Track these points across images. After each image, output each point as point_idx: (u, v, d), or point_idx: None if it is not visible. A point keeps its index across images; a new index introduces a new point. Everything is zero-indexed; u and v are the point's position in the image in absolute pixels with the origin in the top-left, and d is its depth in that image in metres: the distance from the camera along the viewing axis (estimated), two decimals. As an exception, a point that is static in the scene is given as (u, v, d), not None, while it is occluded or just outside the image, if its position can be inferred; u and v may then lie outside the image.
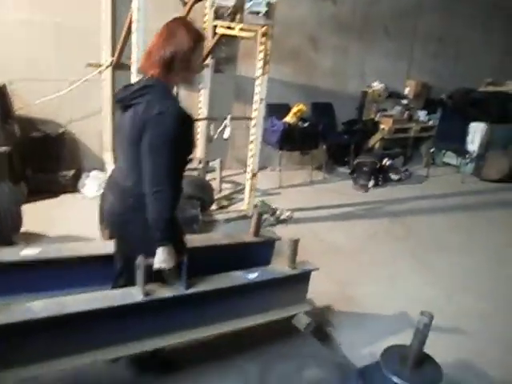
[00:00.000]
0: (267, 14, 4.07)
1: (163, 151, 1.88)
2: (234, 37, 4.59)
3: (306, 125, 5.67)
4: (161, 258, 1.99)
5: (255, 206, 4.62)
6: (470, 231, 4.92)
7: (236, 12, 4.20)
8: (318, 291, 2.83)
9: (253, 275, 2.47)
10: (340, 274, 3.60)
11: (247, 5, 4.04)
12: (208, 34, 4.76)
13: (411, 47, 7.14)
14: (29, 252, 2.36)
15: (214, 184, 4.71)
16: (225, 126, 4.43)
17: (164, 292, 2.16)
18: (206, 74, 5.01)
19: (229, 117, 4.46)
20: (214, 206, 4.49)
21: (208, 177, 4.84)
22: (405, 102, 7.00)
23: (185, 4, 4.13)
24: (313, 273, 2.69)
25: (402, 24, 6.92)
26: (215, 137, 4.68)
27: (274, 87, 4.40)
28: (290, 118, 5.60)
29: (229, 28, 4.28)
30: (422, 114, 7.19)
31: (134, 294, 2.09)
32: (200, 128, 5.16)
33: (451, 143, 6.94)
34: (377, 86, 6.71)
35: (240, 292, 2.43)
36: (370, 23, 6.54)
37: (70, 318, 1.95)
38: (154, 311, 2.17)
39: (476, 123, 6.99)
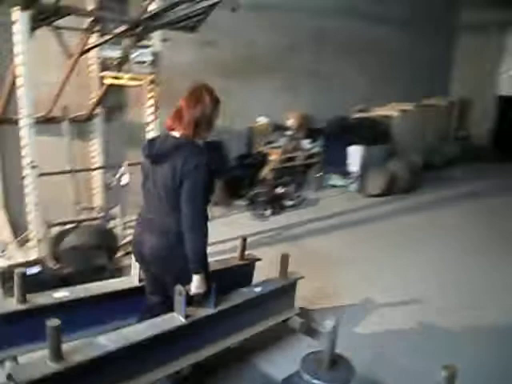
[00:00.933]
0: (153, 63, 4.27)
1: (198, 197, 2.34)
2: (122, 85, 4.72)
3: (200, 163, 5.85)
4: (197, 285, 2.42)
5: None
6: (362, 244, 5.42)
7: (122, 62, 4.34)
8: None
9: (258, 289, 3.03)
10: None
11: (133, 55, 4.21)
12: (94, 84, 4.83)
13: (290, 82, 7.73)
14: (60, 294, 2.66)
15: (117, 231, 4.69)
16: (122, 173, 4.47)
17: (199, 313, 2.58)
18: (97, 123, 5.03)
19: (125, 163, 4.52)
20: (120, 253, 4.47)
21: (110, 224, 4.80)
22: (289, 133, 7.51)
23: (70, 57, 4.17)
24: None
25: (279, 63, 7.53)
26: (113, 184, 4.70)
27: (164, 131, 4.54)
28: (184, 159, 5.76)
29: (116, 78, 4.39)
30: (306, 143, 7.76)
31: (176, 319, 2.49)
32: (97, 177, 5.13)
33: (335, 166, 7.59)
34: (262, 120, 7.16)
35: (249, 304, 2.92)
36: (250, 63, 7.03)
37: (132, 346, 2.29)
38: (191, 330, 2.56)
39: (353, 147, 7.72)
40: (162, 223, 2.44)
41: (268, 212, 6.25)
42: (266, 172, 7.03)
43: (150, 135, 4.41)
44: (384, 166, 7.86)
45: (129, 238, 4.91)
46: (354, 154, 7.73)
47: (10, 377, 2.00)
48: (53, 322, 2.00)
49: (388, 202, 7.24)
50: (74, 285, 2.91)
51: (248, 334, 2.94)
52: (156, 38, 4.31)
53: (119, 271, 4.16)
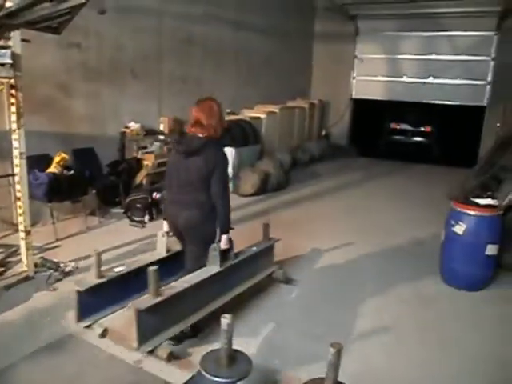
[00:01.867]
0: (13, 66, 3.94)
1: (225, 178, 3.42)
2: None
3: (71, 173, 5.56)
4: (225, 242, 3.45)
5: (36, 264, 4.36)
6: (243, 240, 5.56)
7: (-23, 65, 3.93)
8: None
9: (254, 248, 4.10)
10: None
11: (-11, 57, 3.84)
12: None
13: (159, 87, 7.67)
14: (120, 268, 3.72)
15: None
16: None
17: (226, 263, 3.61)
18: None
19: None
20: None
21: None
22: (162, 137, 7.43)
23: None
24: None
25: (148, 67, 7.43)
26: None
27: (29, 139, 4.21)
28: (53, 169, 5.41)
29: (-30, 82, 3.97)
30: (179, 147, 7.73)
31: (214, 268, 3.52)
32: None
33: (209, 169, 7.66)
34: (133, 125, 6.98)
35: (251, 259, 4.01)
36: (118, 67, 6.82)
37: (194, 286, 3.33)
38: (222, 276, 3.61)
39: (226, 148, 7.87)
40: (195, 199, 3.34)
41: (146, 218, 6.12)
42: (141, 177, 6.89)
43: (16, 145, 4.07)
44: (256, 166, 8.18)
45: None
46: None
47: (103, 333, 3.34)
48: (153, 268, 3.06)
49: (262, 200, 7.55)
50: None
51: (252, 283, 4.03)
52: (16, 38, 3.97)
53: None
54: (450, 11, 11.21)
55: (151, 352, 3.03)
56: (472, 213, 4.28)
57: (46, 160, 5.48)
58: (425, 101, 12.50)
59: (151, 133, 7.37)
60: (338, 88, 13.04)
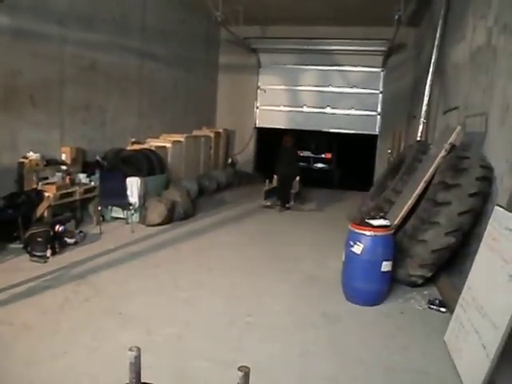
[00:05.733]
0: None
1: (298, 157, 10.75)
2: None
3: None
4: (298, 180, 9.75)
5: None
6: (151, 271, 5.53)
7: None
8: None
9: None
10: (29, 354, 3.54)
11: None
12: None
13: (61, 115, 7.43)
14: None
15: None
16: None
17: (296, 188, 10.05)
18: None
19: None
20: None
21: None
22: (64, 167, 7.16)
23: None
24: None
25: (49, 94, 7.18)
26: None
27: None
28: None
29: None
30: (82, 177, 7.49)
31: (297, 189, 10.03)
32: None
33: (114, 199, 7.49)
34: (32, 155, 6.67)
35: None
36: (14, 94, 6.50)
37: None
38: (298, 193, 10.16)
39: (131, 178, 7.76)
40: (292, 166, 9.74)
41: (48, 252, 5.81)
42: (42, 210, 6.55)
43: None
44: (163, 195, 8.15)
45: None
46: (133, 186, 7.79)
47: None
48: (296, 180, 9.84)
49: (168, 230, 7.50)
50: None
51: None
52: None
53: None
54: (343, 49, 12.20)
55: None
56: (368, 233, 4.62)
57: None
58: (324, 129, 13.34)
59: (52, 163, 7.08)
60: (242, 117, 13.49)
